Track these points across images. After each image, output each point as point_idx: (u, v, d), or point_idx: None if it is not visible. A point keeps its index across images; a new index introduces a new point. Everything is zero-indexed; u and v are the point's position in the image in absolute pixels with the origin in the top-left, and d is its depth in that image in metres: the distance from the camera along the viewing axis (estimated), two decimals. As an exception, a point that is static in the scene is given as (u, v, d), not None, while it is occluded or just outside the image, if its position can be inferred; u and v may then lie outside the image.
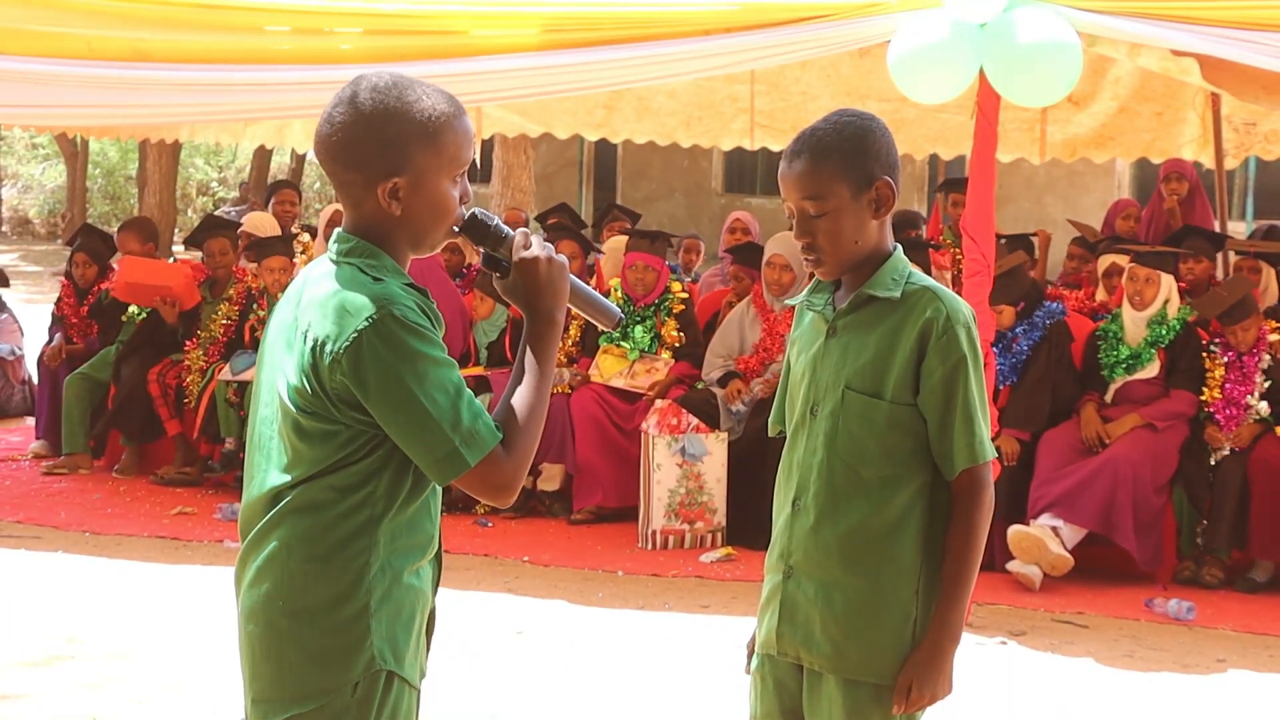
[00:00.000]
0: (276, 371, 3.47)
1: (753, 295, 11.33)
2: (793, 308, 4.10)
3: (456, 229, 3.56)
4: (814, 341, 4.02)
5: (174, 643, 8.05)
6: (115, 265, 13.39)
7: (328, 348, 3.32)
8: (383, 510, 3.41)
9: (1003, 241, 12.89)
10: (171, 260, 14.51)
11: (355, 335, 3.29)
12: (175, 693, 7.27)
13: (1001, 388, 10.09)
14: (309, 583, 3.40)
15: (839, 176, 3.86)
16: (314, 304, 3.40)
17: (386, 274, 3.42)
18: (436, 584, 3.63)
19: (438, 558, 3.62)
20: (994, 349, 10.08)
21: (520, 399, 3.46)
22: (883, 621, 3.88)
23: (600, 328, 11.33)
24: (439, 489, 3.54)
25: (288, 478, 3.42)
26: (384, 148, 3.41)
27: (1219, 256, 12.64)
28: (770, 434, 4.29)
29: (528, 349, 3.52)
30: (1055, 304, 10.50)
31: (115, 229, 14.10)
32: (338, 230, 3.55)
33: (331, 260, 3.49)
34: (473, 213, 3.57)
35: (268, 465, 3.48)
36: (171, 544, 10.27)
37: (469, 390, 3.39)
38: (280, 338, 3.48)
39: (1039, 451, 9.86)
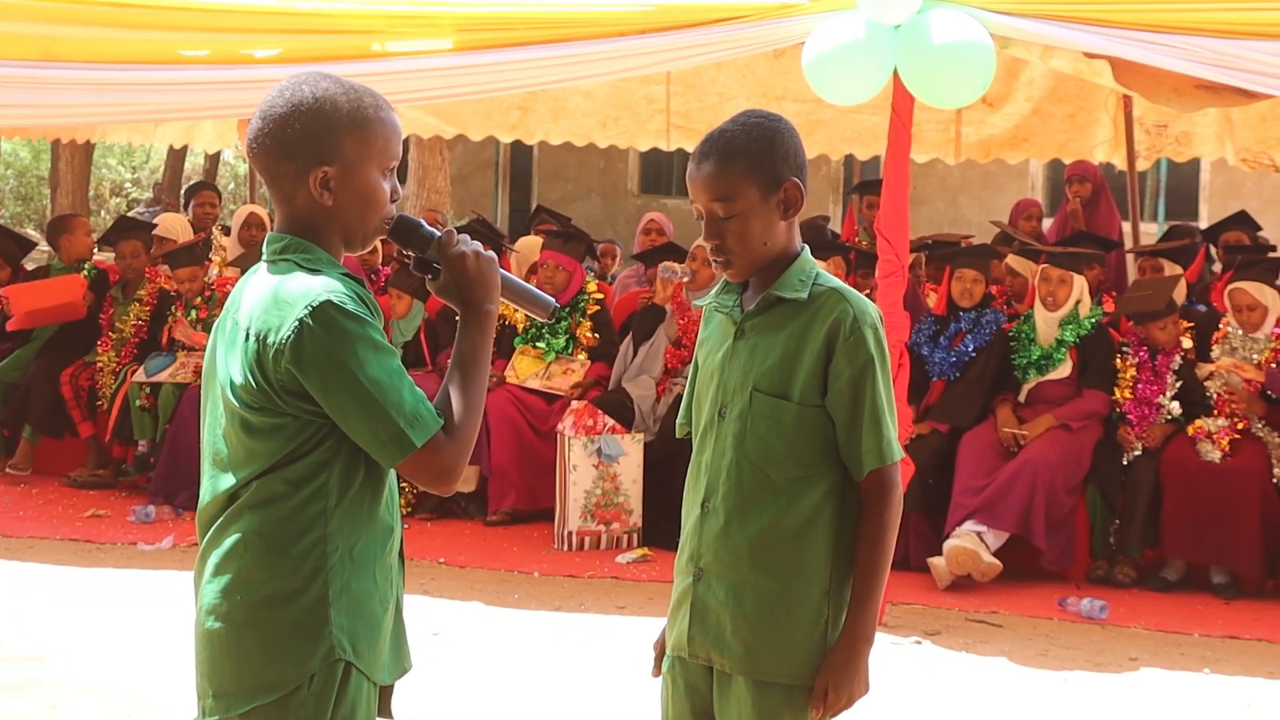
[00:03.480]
0: (222, 376, 3.50)
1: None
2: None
3: (386, 230, 3.62)
4: (722, 343, 4.02)
5: (88, 646, 7.99)
6: (5, 296, 13.13)
7: (270, 339, 3.37)
8: (336, 501, 3.45)
9: (929, 243, 13.01)
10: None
11: (296, 324, 3.34)
12: (90, 695, 7.21)
13: (937, 379, 10.20)
14: (267, 575, 3.44)
15: (748, 178, 3.86)
16: (254, 302, 3.45)
17: (322, 265, 3.48)
18: (401, 583, 3.67)
19: (400, 556, 3.66)
20: (939, 343, 10.28)
21: (459, 388, 3.50)
22: (793, 622, 3.87)
23: (521, 326, 11.45)
24: (395, 482, 3.60)
25: (241, 475, 3.46)
26: (314, 136, 3.48)
27: (1125, 258, 12.79)
28: (678, 435, 4.30)
29: (463, 341, 3.55)
30: (999, 312, 10.49)
31: (48, 230, 13.95)
32: (270, 233, 3.59)
33: (267, 261, 3.54)
34: (400, 216, 3.62)
35: (219, 468, 3.52)
36: (85, 547, 10.20)
37: (409, 376, 3.43)
38: (223, 344, 3.52)
39: (959, 454, 9.90)
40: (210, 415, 3.57)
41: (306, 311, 3.34)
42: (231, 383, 3.44)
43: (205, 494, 3.55)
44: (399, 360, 3.44)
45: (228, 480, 3.48)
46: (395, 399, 3.36)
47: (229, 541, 3.47)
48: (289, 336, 3.34)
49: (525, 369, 11.33)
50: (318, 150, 3.48)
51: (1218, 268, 12.74)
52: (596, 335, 11.49)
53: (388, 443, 3.37)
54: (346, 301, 3.37)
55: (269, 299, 3.41)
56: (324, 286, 3.38)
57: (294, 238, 3.52)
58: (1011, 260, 11.20)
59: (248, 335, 3.41)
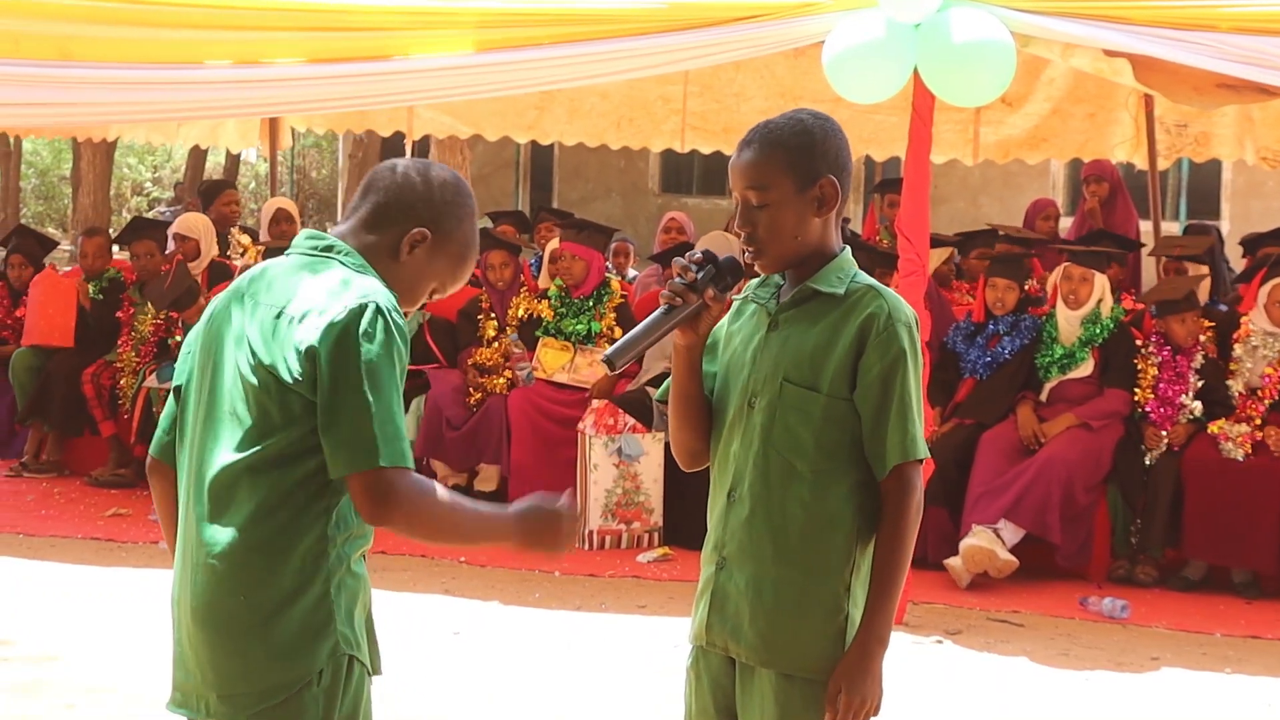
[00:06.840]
0: (264, 357, 3.49)
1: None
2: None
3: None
4: (755, 334, 3.99)
5: (106, 645, 8.00)
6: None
7: (318, 321, 3.43)
8: (336, 499, 3.50)
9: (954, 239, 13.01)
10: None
11: (344, 311, 3.42)
12: (107, 695, 7.22)
13: (969, 377, 10.20)
14: (270, 576, 3.46)
15: (784, 169, 3.85)
16: (310, 292, 3.50)
17: (370, 271, 3.59)
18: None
19: None
20: (975, 342, 10.30)
21: (473, 508, 3.77)
22: (811, 616, 3.84)
23: (549, 315, 11.40)
24: None
25: (241, 454, 3.48)
26: (436, 205, 3.66)
27: (1143, 256, 12.73)
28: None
29: (504, 511, 3.97)
30: (1038, 317, 10.44)
31: (80, 235, 14.03)
32: (328, 234, 3.67)
33: (304, 255, 3.62)
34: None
35: (232, 432, 3.53)
36: (106, 546, 10.21)
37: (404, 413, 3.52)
38: (253, 331, 3.53)
39: (979, 451, 9.89)
40: (213, 405, 3.59)
41: (358, 303, 3.43)
42: (274, 369, 3.45)
43: (215, 465, 3.53)
44: (400, 397, 3.49)
45: (222, 463, 3.50)
46: (386, 419, 3.41)
47: (228, 541, 3.48)
48: (332, 320, 3.41)
49: (551, 362, 11.29)
50: (432, 213, 3.66)
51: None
52: (621, 329, 11.45)
53: (356, 449, 3.39)
54: (393, 313, 3.46)
55: (331, 287, 3.49)
56: (380, 291, 3.49)
57: (357, 255, 3.61)
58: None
59: (300, 319, 3.46)
